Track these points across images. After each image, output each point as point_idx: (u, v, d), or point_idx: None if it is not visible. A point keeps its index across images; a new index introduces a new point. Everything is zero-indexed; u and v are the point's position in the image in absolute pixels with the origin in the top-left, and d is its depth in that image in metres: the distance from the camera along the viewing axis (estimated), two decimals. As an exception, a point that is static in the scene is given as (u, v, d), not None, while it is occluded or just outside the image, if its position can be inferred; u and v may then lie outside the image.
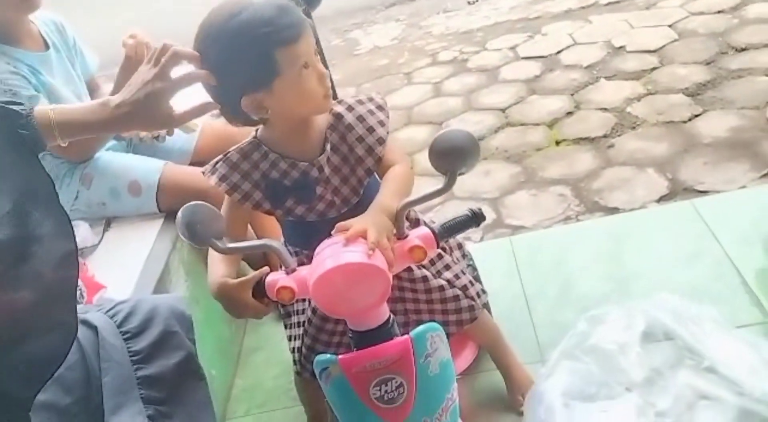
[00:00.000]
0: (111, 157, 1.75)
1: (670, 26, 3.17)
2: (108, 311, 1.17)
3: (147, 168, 1.71)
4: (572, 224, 2.05)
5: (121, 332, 1.13)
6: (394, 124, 3.05)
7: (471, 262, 1.55)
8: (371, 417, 1.03)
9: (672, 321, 1.48)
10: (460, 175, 1.05)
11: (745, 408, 1.31)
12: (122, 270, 1.48)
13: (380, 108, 1.20)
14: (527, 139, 2.60)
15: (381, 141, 1.18)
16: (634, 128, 2.47)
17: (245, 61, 1.04)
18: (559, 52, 3.29)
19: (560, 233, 2.01)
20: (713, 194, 1.99)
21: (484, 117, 2.87)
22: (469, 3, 4.59)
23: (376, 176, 1.22)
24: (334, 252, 0.98)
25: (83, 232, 1.61)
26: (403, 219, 1.07)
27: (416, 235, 1.07)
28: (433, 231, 1.07)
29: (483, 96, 3.06)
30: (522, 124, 2.73)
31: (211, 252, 1.11)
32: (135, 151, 1.82)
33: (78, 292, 1.39)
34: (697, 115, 2.42)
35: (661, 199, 2.05)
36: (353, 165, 1.20)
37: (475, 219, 1.09)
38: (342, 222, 1.05)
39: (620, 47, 3.13)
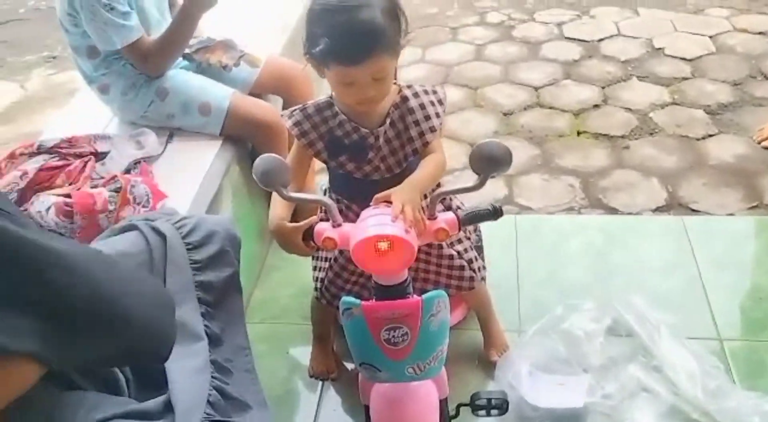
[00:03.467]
0: (187, 76, 1.93)
1: (710, 37, 3.29)
2: (175, 223, 1.38)
3: (218, 92, 1.90)
4: (573, 215, 2.27)
5: (185, 242, 1.34)
6: (432, 79, 3.20)
7: (480, 237, 1.77)
8: (377, 352, 1.27)
9: (635, 322, 1.74)
10: (491, 178, 1.25)
11: (676, 406, 1.58)
12: (182, 183, 1.70)
13: (440, 102, 1.41)
14: (552, 124, 2.78)
15: (432, 130, 1.39)
16: (651, 134, 2.66)
17: (313, 37, 1.24)
18: (601, 39, 3.41)
19: (561, 221, 2.23)
20: (703, 215, 2.20)
21: (517, 92, 3.03)
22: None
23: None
24: (380, 222, 1.20)
25: (151, 141, 1.82)
26: (435, 204, 1.29)
27: (444, 219, 1.28)
28: (458, 218, 1.29)
29: (521, 70, 3.21)
30: (551, 108, 2.90)
31: (275, 195, 1.33)
32: (203, 74, 2.00)
33: (145, 196, 1.62)
34: (711, 135, 2.60)
35: (657, 210, 2.27)
36: (404, 142, 1.40)
37: (494, 214, 1.30)
38: (380, 194, 1.26)
39: (659, 49, 3.25)
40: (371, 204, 1.26)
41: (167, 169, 1.77)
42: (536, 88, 3.04)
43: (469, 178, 1.23)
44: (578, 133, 2.72)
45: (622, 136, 2.66)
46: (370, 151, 1.40)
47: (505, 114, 2.88)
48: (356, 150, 1.40)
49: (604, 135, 2.68)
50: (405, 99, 1.39)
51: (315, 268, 1.65)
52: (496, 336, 1.77)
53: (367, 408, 1.40)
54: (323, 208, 1.36)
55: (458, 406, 1.48)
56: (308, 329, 1.79)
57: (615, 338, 1.73)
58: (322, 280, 1.60)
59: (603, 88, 2.99)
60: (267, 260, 2.11)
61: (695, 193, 2.32)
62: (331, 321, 1.74)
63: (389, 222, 1.20)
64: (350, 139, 1.39)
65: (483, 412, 1.49)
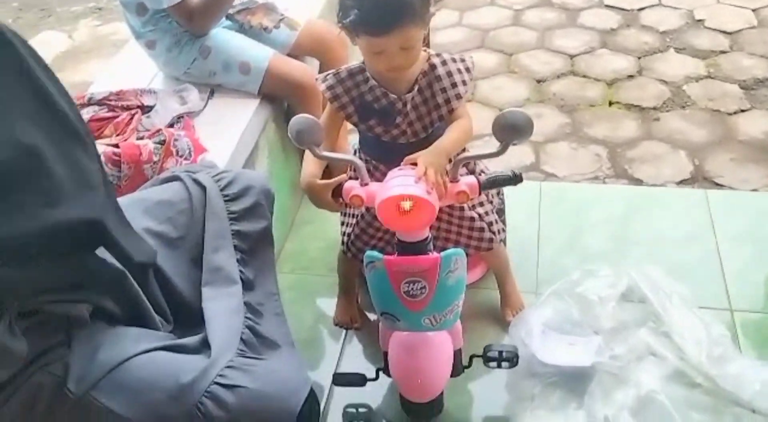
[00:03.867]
0: (229, 35, 2.01)
1: (753, 11, 3.24)
2: (214, 176, 1.48)
3: (258, 52, 1.98)
4: (598, 184, 2.32)
5: (223, 194, 1.43)
6: (467, 43, 3.23)
7: (502, 200, 1.84)
8: (397, 303, 1.37)
9: (649, 289, 1.80)
10: (513, 145, 1.32)
11: (680, 370, 1.65)
12: (221, 138, 1.79)
13: (468, 70, 1.47)
14: (585, 93, 2.80)
15: (458, 97, 1.45)
16: (683, 107, 2.67)
17: (344, 8, 1.32)
18: (641, 8, 3.38)
19: (585, 189, 2.29)
20: (726, 189, 2.23)
21: (552, 59, 3.04)
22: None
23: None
24: (403, 183, 1.28)
25: (194, 97, 1.91)
26: (458, 167, 1.36)
27: (465, 182, 1.36)
28: (479, 182, 1.37)
29: (558, 37, 3.21)
30: (584, 76, 2.91)
31: (307, 153, 1.41)
32: (244, 35, 2.08)
33: (187, 150, 1.72)
34: (743, 110, 2.60)
35: (681, 182, 2.30)
36: (431, 108, 1.47)
37: (514, 179, 1.38)
38: (410, 157, 1.34)
39: (699, 20, 3.22)
40: (402, 165, 1.34)
41: (208, 124, 1.86)
42: (571, 56, 3.05)
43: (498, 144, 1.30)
44: (610, 103, 2.74)
45: (654, 108, 2.68)
46: (397, 116, 1.47)
47: (538, 81, 2.90)
48: (385, 114, 1.48)
49: (636, 106, 2.70)
50: (433, 67, 1.45)
51: (343, 223, 1.75)
52: (512, 296, 1.85)
53: (385, 354, 1.51)
54: (352, 167, 1.44)
55: (471, 357, 1.58)
56: (335, 280, 1.89)
57: (627, 304, 1.80)
58: (349, 235, 1.70)
59: (639, 58, 2.99)
60: (299, 214, 2.22)
61: (721, 168, 2.34)
62: (356, 274, 1.84)
63: (413, 183, 1.28)
64: (379, 103, 1.47)
65: (494, 364, 1.59)
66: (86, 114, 1.79)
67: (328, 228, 2.06)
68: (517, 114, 1.27)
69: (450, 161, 1.40)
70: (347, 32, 1.37)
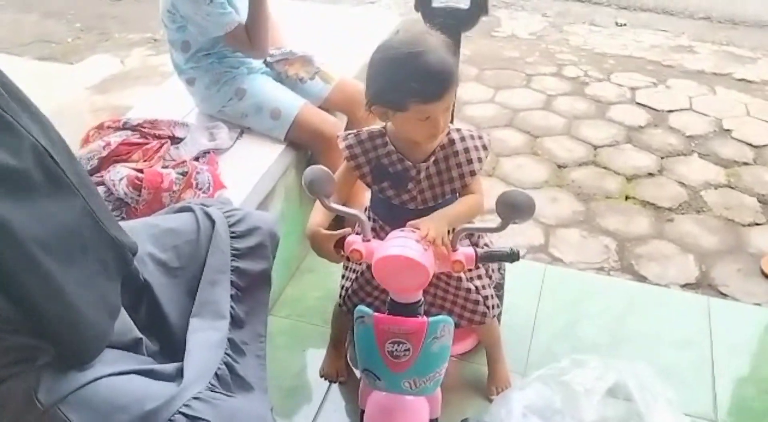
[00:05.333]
0: (265, 81, 2.12)
1: (782, 128, 3.29)
2: (225, 211, 1.53)
3: (291, 100, 2.08)
4: (602, 275, 2.34)
5: (230, 231, 1.48)
6: (497, 120, 3.31)
7: (503, 275, 1.87)
8: (380, 361, 1.39)
9: (636, 388, 1.79)
10: (514, 223, 1.36)
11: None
12: (241, 178, 1.87)
13: (484, 147, 1.53)
14: (603, 184, 2.84)
15: (473, 173, 1.51)
16: (698, 212, 2.69)
17: (388, 87, 1.37)
18: (671, 110, 3.45)
19: (588, 279, 2.30)
20: (730, 299, 2.23)
21: (576, 147, 3.11)
22: (617, 24, 4.69)
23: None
24: (401, 244, 1.32)
25: (223, 135, 2.00)
26: (458, 237, 1.40)
27: (463, 252, 1.39)
28: (476, 254, 1.40)
29: (585, 126, 3.28)
30: (605, 168, 2.96)
31: (317, 203, 1.47)
32: (281, 83, 2.18)
33: (207, 184, 1.79)
34: (758, 224, 2.62)
35: (686, 286, 2.31)
36: (444, 181, 1.53)
37: (511, 256, 1.41)
38: (413, 221, 1.39)
39: (727, 130, 3.27)
40: (405, 227, 1.39)
41: (232, 163, 1.94)
42: (595, 147, 3.11)
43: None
44: (626, 198, 2.77)
45: (669, 208, 2.70)
46: (410, 182, 1.52)
47: (559, 166, 2.96)
48: (398, 179, 1.54)
49: (651, 204, 2.73)
50: (452, 141, 1.51)
51: (343, 277, 1.78)
52: (500, 374, 1.85)
53: (362, 412, 1.52)
54: (358, 222, 1.49)
55: (446, 428, 1.58)
56: (327, 332, 1.91)
57: (612, 400, 1.78)
58: (347, 289, 1.73)
59: (662, 158, 3.04)
60: (304, 262, 2.26)
61: (727, 277, 2.34)
62: (348, 329, 1.86)
63: (412, 245, 1.32)
64: (394, 168, 1.52)
65: (469, 439, 1.59)
66: (119, 137, 1.88)
67: (329, 280, 2.09)
68: (521, 195, 1.31)
69: (452, 230, 1.44)
70: (386, 108, 1.41)
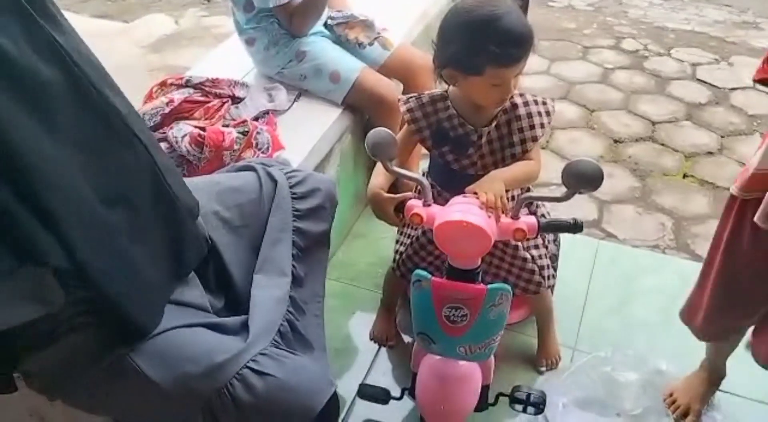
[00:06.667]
0: (325, 44, 2.11)
1: None
2: (287, 172, 1.54)
3: (350, 64, 2.07)
4: (657, 253, 2.29)
5: (291, 192, 1.49)
6: (552, 92, 3.25)
7: (558, 247, 1.85)
8: (436, 325, 1.39)
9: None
10: (579, 193, 1.34)
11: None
12: (299, 140, 1.87)
13: (548, 113, 1.50)
14: (660, 161, 2.78)
15: (535, 139, 1.48)
16: (759, 193, 2.61)
17: (463, 51, 1.35)
18: (733, 88, 3.34)
19: (643, 256, 2.26)
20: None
21: (633, 122, 3.04)
22: (678, -3, 4.53)
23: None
24: (464, 210, 1.31)
25: (282, 96, 2.00)
26: (521, 205, 1.38)
27: (525, 221, 1.37)
28: (539, 223, 1.38)
29: (643, 102, 3.20)
30: (663, 145, 2.89)
31: (378, 166, 1.46)
32: (340, 46, 2.16)
33: (266, 144, 1.80)
34: (822, 208, 2.52)
35: (743, 267, 2.25)
36: (505, 145, 1.51)
37: (574, 227, 1.38)
38: (470, 187, 1.37)
39: (793, 111, 3.16)
40: (464, 193, 1.38)
41: (290, 124, 1.95)
42: (653, 123, 3.03)
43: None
44: (684, 176, 2.71)
45: (728, 188, 2.61)
46: (470, 147, 1.51)
47: (615, 141, 2.90)
48: (458, 143, 1.52)
49: (710, 183, 2.66)
50: (515, 105, 1.49)
51: (397, 242, 1.78)
52: (550, 346, 1.85)
53: (414, 375, 1.53)
54: (419, 186, 1.48)
55: (498, 395, 1.57)
56: (377, 296, 1.93)
57: (653, 390, 1.76)
58: (402, 254, 1.73)
59: (722, 137, 2.95)
60: (355, 226, 2.27)
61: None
62: (400, 294, 1.87)
63: (475, 211, 1.31)
64: (455, 132, 1.51)
65: (520, 407, 1.58)
66: (181, 94, 1.90)
67: (381, 246, 2.10)
68: (590, 164, 1.28)
69: (513, 198, 1.42)
70: (457, 72, 1.39)
